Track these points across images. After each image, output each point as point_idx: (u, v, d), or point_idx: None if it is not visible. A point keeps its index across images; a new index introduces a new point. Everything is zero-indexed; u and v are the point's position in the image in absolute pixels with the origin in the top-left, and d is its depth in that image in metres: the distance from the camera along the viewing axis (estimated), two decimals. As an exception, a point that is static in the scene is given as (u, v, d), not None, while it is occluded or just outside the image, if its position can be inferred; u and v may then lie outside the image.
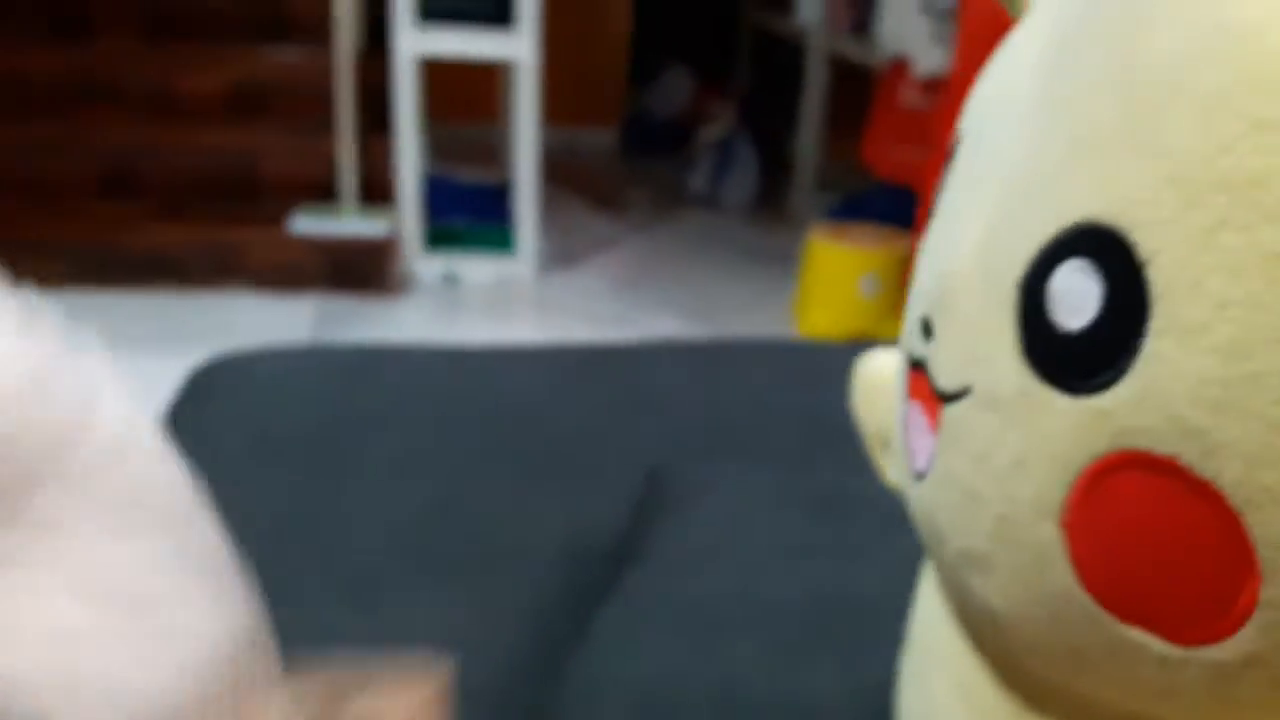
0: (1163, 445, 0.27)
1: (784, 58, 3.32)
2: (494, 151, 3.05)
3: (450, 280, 2.48)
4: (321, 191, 2.47)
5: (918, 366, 0.35)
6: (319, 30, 2.58)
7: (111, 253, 2.28)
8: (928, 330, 0.34)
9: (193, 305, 2.25)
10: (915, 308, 0.36)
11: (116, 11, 2.59)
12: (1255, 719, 0.29)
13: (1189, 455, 0.26)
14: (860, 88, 2.82)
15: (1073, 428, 0.28)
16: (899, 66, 2.36)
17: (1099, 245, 0.27)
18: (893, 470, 0.45)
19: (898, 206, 2.35)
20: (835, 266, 2.15)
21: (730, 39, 3.82)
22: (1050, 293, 0.29)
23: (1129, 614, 0.28)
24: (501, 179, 2.72)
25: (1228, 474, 0.26)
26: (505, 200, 2.57)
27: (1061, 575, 0.29)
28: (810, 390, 0.90)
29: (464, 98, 3.26)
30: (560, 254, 2.67)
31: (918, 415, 0.35)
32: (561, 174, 3.18)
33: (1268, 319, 0.25)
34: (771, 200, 3.17)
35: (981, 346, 0.31)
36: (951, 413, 0.32)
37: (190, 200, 2.44)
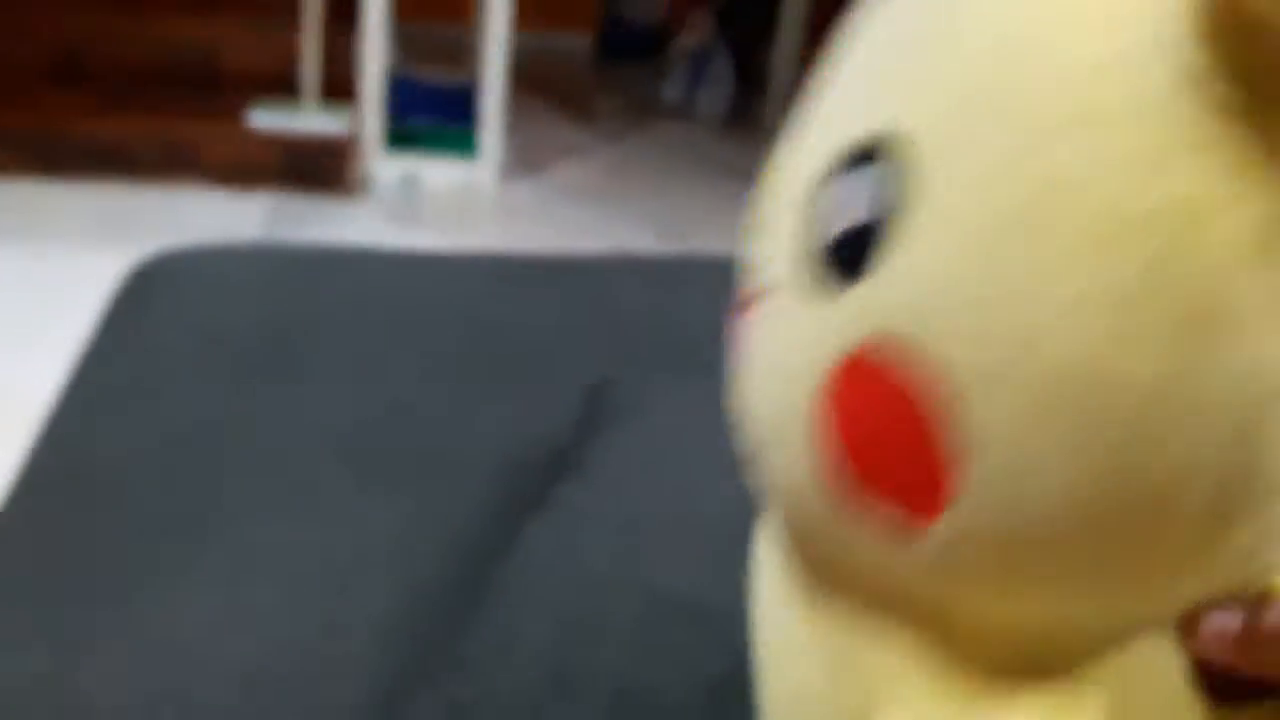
0: (907, 327, 0.30)
1: (764, -33, 3.25)
2: (463, 52, 2.98)
3: (409, 183, 2.43)
4: (282, 86, 2.40)
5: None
6: (284, -83, 2.49)
7: (60, 141, 2.23)
8: (751, 238, 0.39)
9: (142, 199, 2.20)
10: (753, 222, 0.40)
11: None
12: (976, 591, 0.32)
13: (925, 339, 0.30)
14: (839, 1, 2.77)
15: (837, 316, 0.32)
16: (879, -19, 2.32)
17: (878, 153, 0.31)
18: None
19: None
20: (804, 184, 2.13)
21: (710, -55, 3.73)
22: (831, 196, 0.33)
23: (875, 488, 0.32)
24: (469, 80, 2.65)
25: (955, 354, 0.29)
26: (471, 103, 2.51)
27: (825, 450, 0.33)
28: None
29: (433, -6, 3.16)
30: (526, 161, 2.62)
31: (743, 320, 0.39)
32: (532, 79, 3.11)
33: (1005, 212, 0.28)
34: (746, 112, 3.13)
35: (777, 248, 0.35)
36: (755, 312, 0.37)
37: (145, 91, 2.38)
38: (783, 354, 0.35)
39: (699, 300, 0.90)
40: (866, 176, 0.31)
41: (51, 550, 0.61)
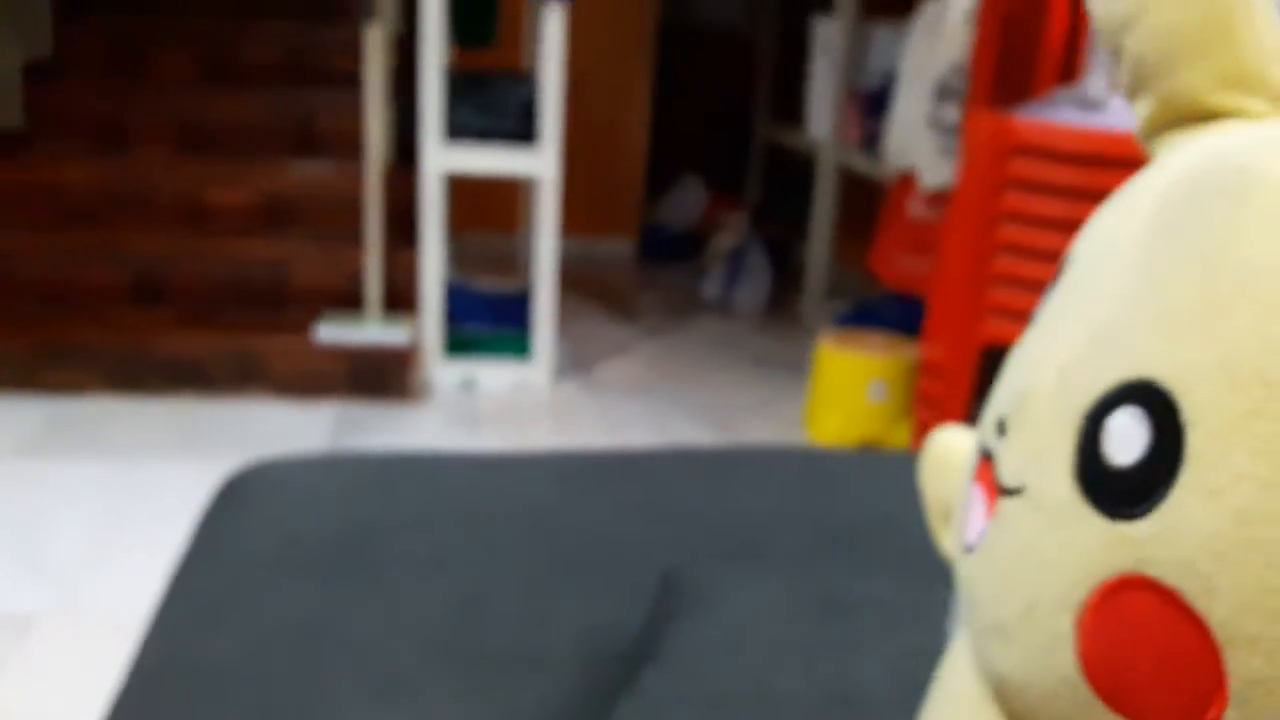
0: (1171, 577, 0.31)
1: (795, 170, 3.41)
2: (514, 260, 3.13)
3: (468, 385, 2.52)
4: (347, 300, 2.53)
5: (987, 456, 0.40)
6: (347, 146, 2.68)
7: (139, 359, 2.33)
8: (1002, 428, 0.39)
9: (216, 411, 2.29)
10: (996, 405, 0.41)
11: (151, 125, 2.70)
12: None
13: (1190, 591, 0.31)
14: (868, 198, 2.90)
15: (1102, 544, 0.33)
16: (906, 179, 2.44)
17: (1155, 401, 0.32)
18: (948, 540, 0.49)
19: (905, 314, 2.40)
20: (843, 373, 2.19)
21: (743, 152, 3.93)
22: (1107, 428, 0.34)
23: (1117, 705, 0.33)
24: (520, 287, 2.79)
25: (1218, 614, 0.30)
26: (524, 308, 2.63)
27: (1067, 661, 0.34)
28: (817, 496, 0.93)
29: (485, 207, 3.35)
30: (576, 360, 2.72)
31: (978, 497, 0.40)
32: (579, 283, 3.25)
33: (1273, 498, 0.30)
34: (783, 307, 3.23)
35: (1043, 457, 0.36)
36: (1006, 504, 0.37)
37: (218, 308, 2.51)
38: (1032, 560, 0.35)
39: (745, 488, 0.95)
40: (1142, 422, 0.32)
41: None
